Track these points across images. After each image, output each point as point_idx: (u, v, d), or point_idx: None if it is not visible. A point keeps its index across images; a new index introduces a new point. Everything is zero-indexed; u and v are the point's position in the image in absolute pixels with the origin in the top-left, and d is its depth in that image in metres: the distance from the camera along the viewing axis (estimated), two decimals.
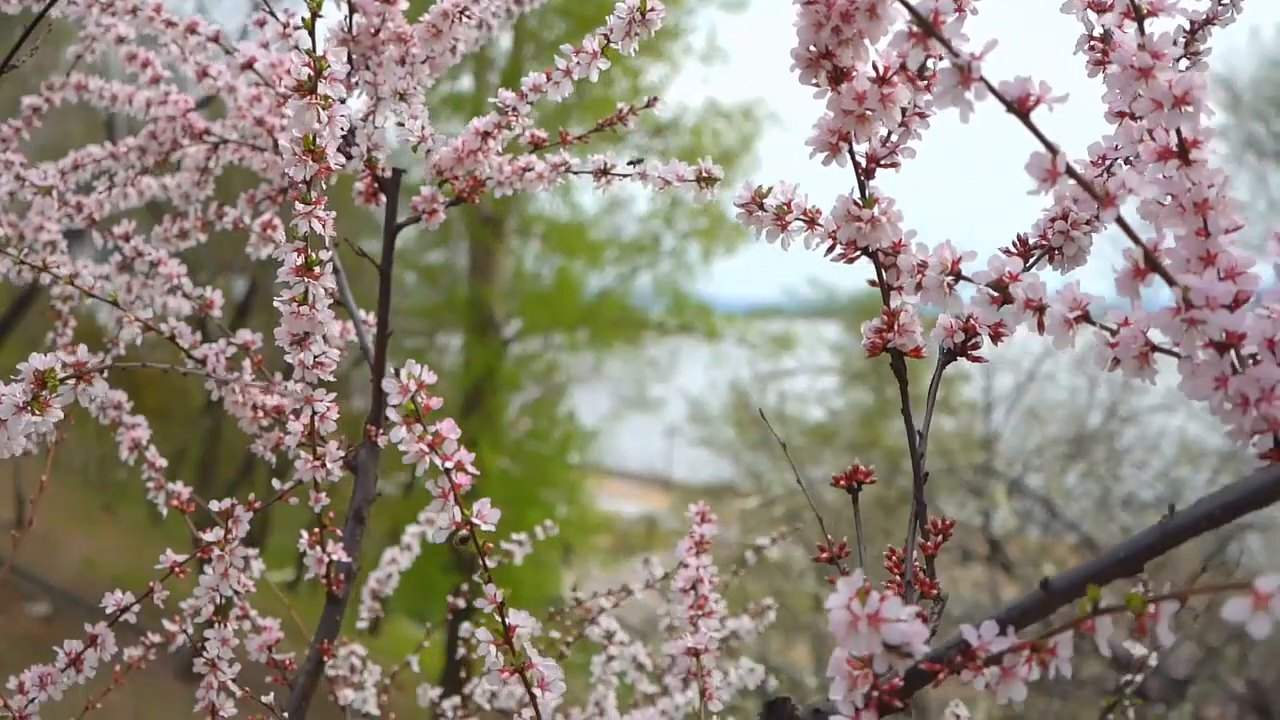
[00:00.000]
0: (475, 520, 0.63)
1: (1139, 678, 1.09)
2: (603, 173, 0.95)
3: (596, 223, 11.83)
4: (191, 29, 1.10)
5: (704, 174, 0.84)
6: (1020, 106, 0.51)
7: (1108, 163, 0.70)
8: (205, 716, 0.96)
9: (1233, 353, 0.53)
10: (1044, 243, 0.69)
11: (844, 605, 0.50)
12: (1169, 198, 0.55)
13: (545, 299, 11.25)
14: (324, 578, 0.99)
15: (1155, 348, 0.54)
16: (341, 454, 0.91)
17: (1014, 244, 0.69)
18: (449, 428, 0.63)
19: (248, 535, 0.91)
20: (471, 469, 0.63)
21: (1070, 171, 0.51)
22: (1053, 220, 0.69)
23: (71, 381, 0.68)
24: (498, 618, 0.65)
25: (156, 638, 1.13)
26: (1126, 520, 6.45)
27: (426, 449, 0.62)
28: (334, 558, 0.97)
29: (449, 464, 0.63)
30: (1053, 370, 6.62)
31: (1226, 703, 6.06)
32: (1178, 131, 0.54)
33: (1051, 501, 5.95)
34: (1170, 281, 0.51)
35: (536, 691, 0.65)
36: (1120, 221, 0.51)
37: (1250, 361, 0.53)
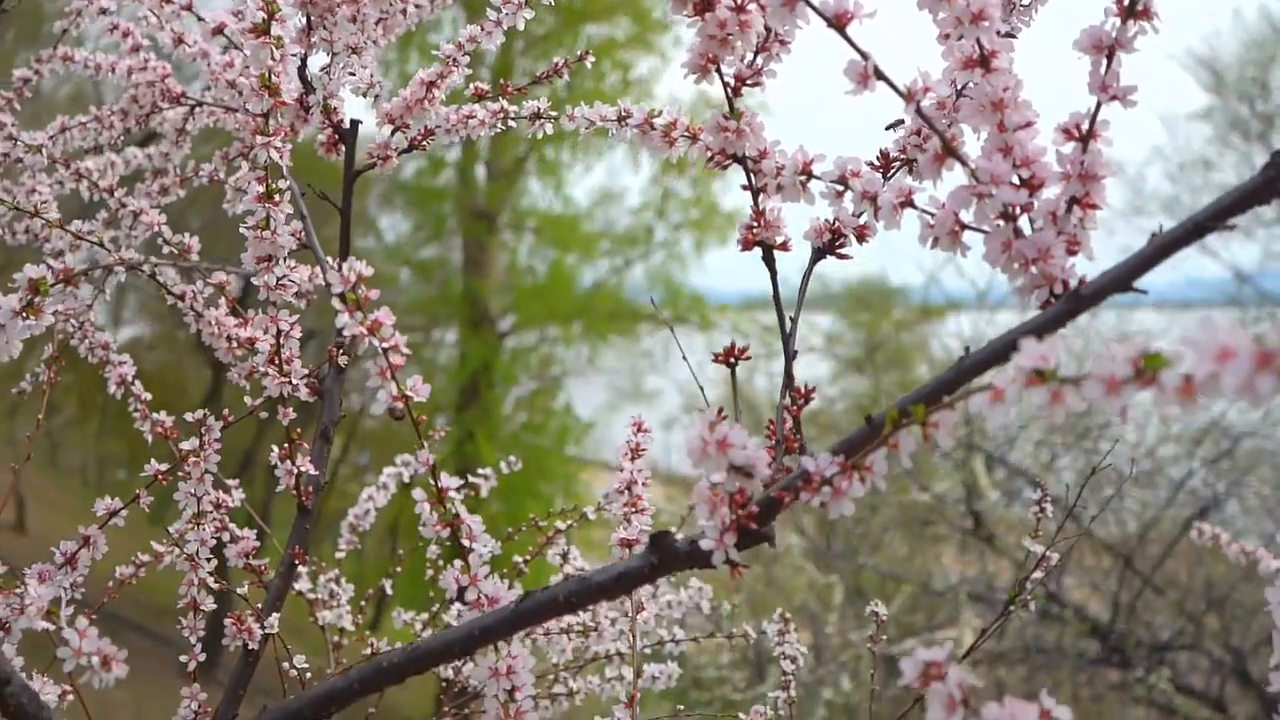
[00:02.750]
0: (410, 393, 0.74)
1: (1039, 575, 1.20)
2: (536, 116, 1.06)
3: (589, 216, 11.93)
4: None
5: (623, 113, 0.95)
6: (839, 22, 0.61)
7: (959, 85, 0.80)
8: (189, 612, 1.07)
9: (1026, 223, 0.64)
10: (903, 155, 0.79)
11: (698, 435, 0.61)
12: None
13: (539, 292, 11.35)
14: (294, 489, 1.09)
15: (964, 225, 0.65)
16: (305, 371, 1.02)
17: (877, 156, 0.80)
18: (385, 314, 0.73)
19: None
20: (405, 350, 0.74)
21: (879, 74, 0.61)
22: (910, 135, 0.79)
23: (60, 286, 0.79)
24: (431, 480, 0.76)
25: (145, 557, 1.23)
26: (1109, 493, 6.56)
27: (366, 331, 0.73)
28: (303, 470, 1.08)
29: (386, 345, 0.73)
30: None
31: (1210, 672, 6.19)
32: (978, 43, 0.64)
33: (1029, 473, 6.07)
34: (964, 164, 0.62)
35: (466, 542, 0.76)
36: (920, 114, 0.62)
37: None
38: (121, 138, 1.32)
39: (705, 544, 0.65)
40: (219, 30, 1.18)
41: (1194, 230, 0.56)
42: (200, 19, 1.20)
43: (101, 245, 1.10)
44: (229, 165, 1.30)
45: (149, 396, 1.22)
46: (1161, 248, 0.57)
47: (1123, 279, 0.58)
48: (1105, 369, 0.45)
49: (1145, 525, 6.55)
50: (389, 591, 1.56)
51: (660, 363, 12.01)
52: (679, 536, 0.68)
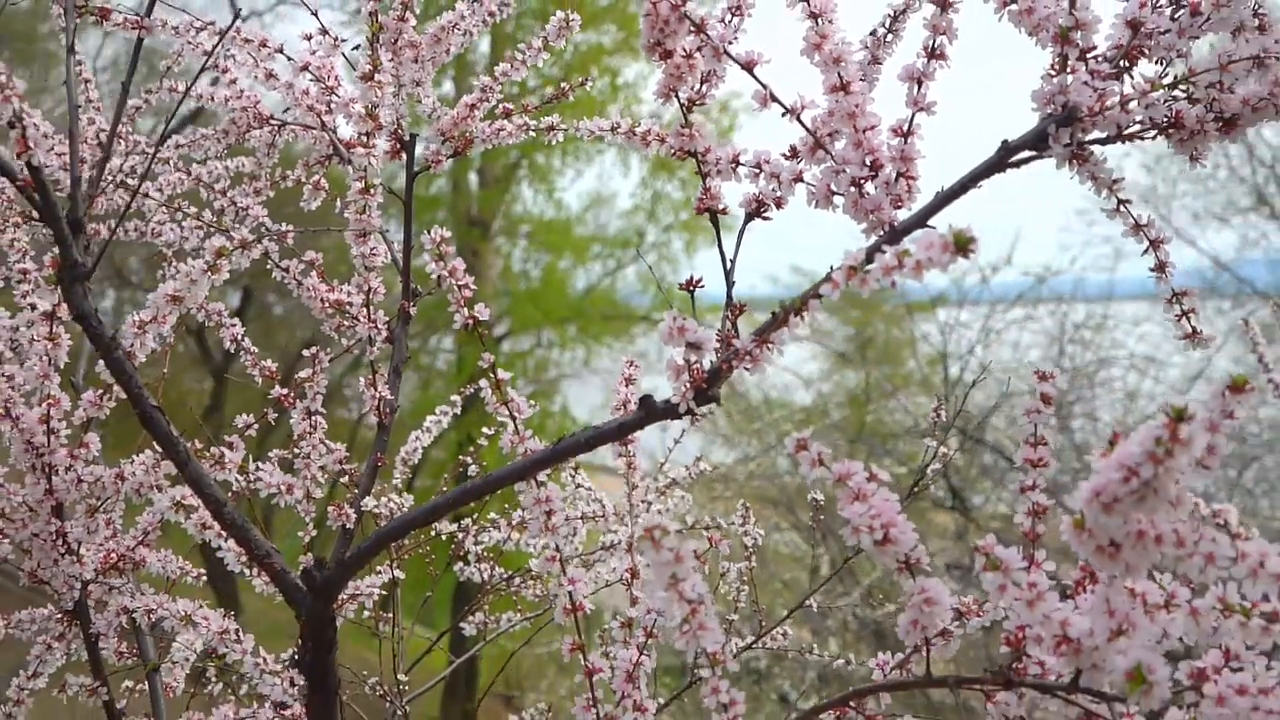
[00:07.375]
0: (476, 314, 1.11)
1: (937, 467, 1.56)
2: (551, 128, 1.43)
3: (581, 220, 12.31)
4: (263, 44, 1.58)
5: (615, 125, 1.32)
6: (748, 66, 0.99)
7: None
8: (304, 499, 1.43)
9: (870, 187, 1.01)
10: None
11: (667, 324, 0.98)
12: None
13: (534, 297, 11.70)
14: (375, 410, 1.46)
15: (833, 191, 1.02)
16: (387, 318, 1.39)
17: (789, 149, 1.17)
18: (459, 262, 1.11)
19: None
20: (472, 285, 1.11)
21: (773, 97, 0.99)
22: (804, 137, 1.16)
23: (239, 250, 1.16)
24: (492, 374, 1.13)
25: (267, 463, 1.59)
26: (1079, 466, 6.98)
27: (447, 274, 1.10)
28: (382, 395, 1.45)
29: (460, 282, 1.11)
30: (1000, 325, 7.15)
31: None
32: (839, 75, 1.02)
33: (1002, 449, 6.45)
34: (828, 152, 1.00)
35: (516, 413, 1.13)
36: (800, 122, 0.99)
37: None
38: (224, 151, 1.69)
39: (674, 399, 1.02)
40: (305, 68, 1.55)
41: (959, 189, 0.94)
42: (290, 59, 1.57)
43: (224, 232, 1.46)
44: (309, 171, 1.67)
45: (256, 349, 1.59)
46: (941, 199, 0.94)
47: (920, 220, 0.95)
48: (884, 262, 0.82)
49: None
50: None
51: (655, 363, 12.35)
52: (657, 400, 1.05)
